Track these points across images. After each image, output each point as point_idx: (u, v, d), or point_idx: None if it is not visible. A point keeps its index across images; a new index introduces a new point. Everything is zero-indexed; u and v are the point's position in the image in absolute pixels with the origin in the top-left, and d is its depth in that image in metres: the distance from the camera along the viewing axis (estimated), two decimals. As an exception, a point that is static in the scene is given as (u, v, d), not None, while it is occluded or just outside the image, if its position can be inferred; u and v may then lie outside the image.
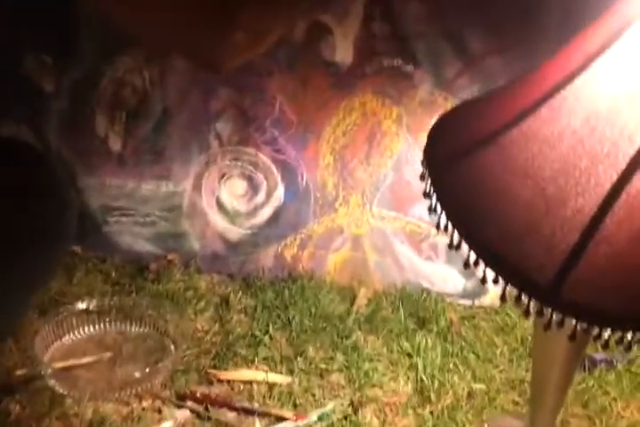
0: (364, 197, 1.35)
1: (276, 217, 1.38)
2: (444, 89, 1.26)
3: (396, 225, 1.36)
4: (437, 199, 0.66)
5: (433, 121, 0.74)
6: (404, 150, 1.31)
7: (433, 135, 0.72)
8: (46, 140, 1.34)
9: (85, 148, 1.35)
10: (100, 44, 1.26)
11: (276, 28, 1.05)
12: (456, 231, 0.64)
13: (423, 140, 1.17)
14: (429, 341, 1.26)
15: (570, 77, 0.58)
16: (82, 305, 1.22)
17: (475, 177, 0.63)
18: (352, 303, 1.35)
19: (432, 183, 0.67)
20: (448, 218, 0.65)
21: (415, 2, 1.21)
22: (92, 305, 1.23)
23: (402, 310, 1.33)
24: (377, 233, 1.37)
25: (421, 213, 1.34)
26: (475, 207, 0.63)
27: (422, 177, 0.70)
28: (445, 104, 1.26)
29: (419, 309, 1.35)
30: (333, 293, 1.37)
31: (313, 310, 1.30)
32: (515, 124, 0.61)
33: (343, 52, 1.25)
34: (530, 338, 1.22)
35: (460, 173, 0.65)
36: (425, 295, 1.39)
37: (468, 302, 1.39)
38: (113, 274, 1.38)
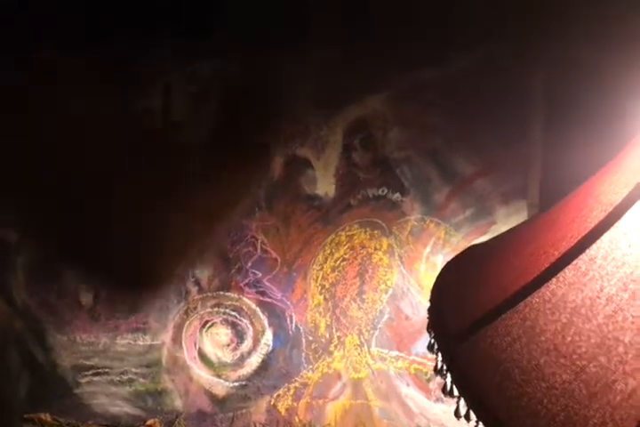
0: (360, 338, 1.22)
1: (265, 366, 1.25)
2: (434, 215, 1.18)
3: (399, 365, 1.23)
4: (454, 381, 0.55)
5: (439, 265, 0.65)
6: (399, 283, 1.21)
7: (438, 295, 0.62)
8: (10, 295, 1.23)
9: (54, 302, 1.24)
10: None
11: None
12: (481, 424, 0.52)
13: (418, 271, 1.06)
14: None
15: (594, 235, 0.49)
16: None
17: (496, 352, 0.53)
18: (359, 460, 1.19)
19: (445, 359, 0.57)
20: (469, 406, 0.53)
21: (396, 128, 1.16)
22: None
23: (416, 464, 1.18)
24: (379, 376, 1.24)
25: (425, 349, 1.21)
26: (501, 392, 0.52)
27: (431, 348, 0.60)
28: (437, 231, 1.18)
29: (435, 460, 1.19)
30: (337, 448, 1.22)
31: (315, 474, 1.14)
32: (534, 289, 0.52)
33: (325, 184, 1.19)
34: None
35: (478, 347, 0.54)
36: (440, 442, 1.23)
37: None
38: (86, 443, 1.22)
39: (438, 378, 1.24)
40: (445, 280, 0.63)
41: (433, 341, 0.59)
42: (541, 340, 0.50)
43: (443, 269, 0.65)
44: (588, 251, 0.49)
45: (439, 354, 0.58)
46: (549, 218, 0.57)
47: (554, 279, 0.50)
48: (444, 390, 0.57)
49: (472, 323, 0.54)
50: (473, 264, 0.63)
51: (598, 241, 0.49)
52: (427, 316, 0.64)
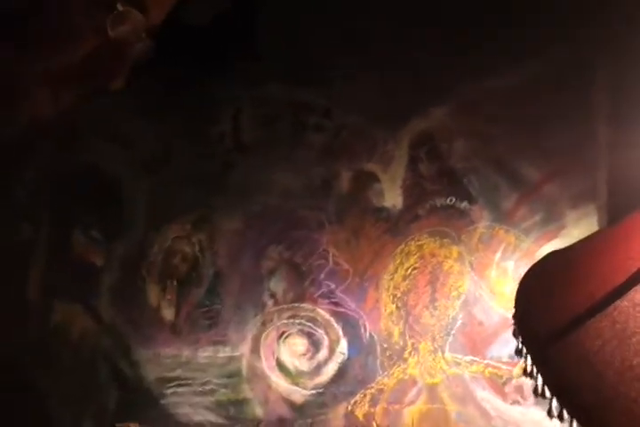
0: (434, 344, 1.25)
1: (341, 373, 1.28)
2: (503, 222, 1.20)
3: (474, 370, 1.25)
4: (545, 382, 0.58)
5: (519, 283, 0.67)
6: (470, 289, 1.23)
7: (523, 302, 0.65)
8: (98, 314, 1.31)
9: (138, 319, 1.31)
10: (146, 215, 1.26)
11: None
12: (576, 422, 0.55)
13: (489, 277, 1.08)
14: None
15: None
16: None
17: (588, 355, 0.55)
18: (439, 464, 1.21)
19: (535, 362, 0.59)
20: (563, 405, 0.56)
21: (461, 139, 1.19)
22: None
23: (496, 468, 1.19)
24: (454, 381, 1.26)
25: (500, 353, 1.23)
26: (595, 393, 0.54)
27: (519, 353, 0.62)
28: (507, 237, 1.19)
29: (514, 464, 1.20)
30: (416, 453, 1.24)
31: (397, 478, 1.17)
32: (623, 293, 0.54)
33: (392, 196, 1.22)
34: None
35: (569, 350, 0.56)
36: (518, 445, 1.24)
37: (567, 448, 1.23)
38: (173, 453, 1.28)
39: (514, 381, 1.26)
40: (529, 287, 0.65)
41: (521, 345, 0.62)
42: (633, 342, 0.52)
43: (525, 277, 0.68)
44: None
45: (528, 357, 0.60)
46: (630, 226, 0.59)
47: (642, 284, 0.53)
48: (535, 391, 0.59)
49: (562, 327, 0.57)
50: (555, 271, 0.65)
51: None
52: (512, 322, 0.66)
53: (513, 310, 0.66)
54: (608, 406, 0.53)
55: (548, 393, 0.58)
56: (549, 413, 0.58)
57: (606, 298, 0.55)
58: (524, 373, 0.62)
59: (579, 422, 0.55)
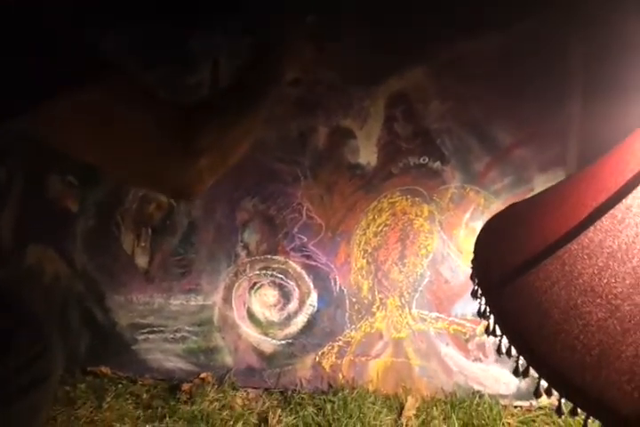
0: (401, 299, 1.28)
1: (310, 325, 1.32)
2: (474, 183, 1.22)
3: (439, 326, 1.29)
4: (496, 321, 0.61)
5: (478, 230, 0.70)
6: (439, 248, 1.26)
7: (482, 247, 0.67)
8: (71, 259, 1.32)
9: (112, 265, 1.33)
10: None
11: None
12: (522, 357, 0.58)
13: (458, 236, 1.12)
14: (489, 454, 1.15)
15: (630, 186, 0.53)
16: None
17: (537, 294, 0.58)
18: (400, 414, 1.26)
19: (488, 302, 0.62)
20: (511, 342, 0.59)
21: (436, 100, 1.20)
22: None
23: (454, 419, 1.24)
24: (419, 336, 1.30)
25: (464, 311, 1.27)
26: (540, 329, 0.57)
27: (474, 295, 0.65)
28: (477, 198, 1.22)
29: (472, 416, 1.25)
30: (378, 403, 1.28)
31: (358, 426, 1.21)
32: (573, 236, 0.56)
33: (367, 154, 1.24)
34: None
35: (520, 291, 0.59)
36: (477, 399, 1.29)
37: (524, 404, 1.29)
38: (144, 395, 1.31)
39: (477, 339, 1.30)
40: (488, 233, 0.68)
41: (476, 287, 0.64)
42: (579, 282, 0.55)
43: (485, 224, 0.70)
44: (624, 200, 0.53)
45: (482, 298, 0.63)
46: (588, 174, 0.62)
47: (592, 227, 0.55)
48: (486, 330, 0.62)
49: (514, 269, 0.59)
50: (515, 218, 0.67)
51: (634, 191, 0.53)
52: (470, 266, 0.69)
53: (468, 266, 0.69)
54: (552, 342, 0.56)
55: (498, 332, 0.61)
56: (498, 350, 0.61)
57: (558, 242, 0.57)
58: (478, 313, 0.65)
59: (524, 359, 0.58)
